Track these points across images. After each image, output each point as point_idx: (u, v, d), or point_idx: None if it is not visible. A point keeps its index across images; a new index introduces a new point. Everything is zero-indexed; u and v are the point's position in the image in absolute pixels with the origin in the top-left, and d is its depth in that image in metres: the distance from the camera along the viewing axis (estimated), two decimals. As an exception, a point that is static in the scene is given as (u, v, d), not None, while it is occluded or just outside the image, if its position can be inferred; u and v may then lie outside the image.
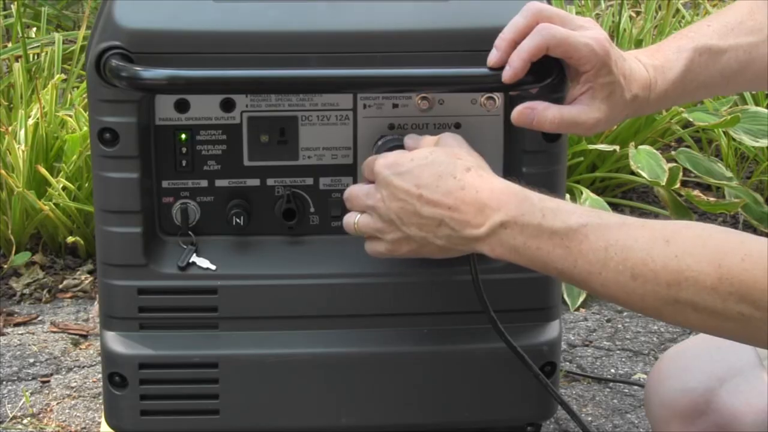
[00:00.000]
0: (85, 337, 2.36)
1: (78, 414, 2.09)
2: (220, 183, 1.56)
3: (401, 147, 1.50)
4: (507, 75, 1.40)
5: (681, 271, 1.21)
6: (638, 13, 3.45)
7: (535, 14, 1.40)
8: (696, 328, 1.26)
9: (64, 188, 2.55)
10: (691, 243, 1.22)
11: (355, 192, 1.45)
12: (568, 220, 1.29)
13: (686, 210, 2.67)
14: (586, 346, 2.34)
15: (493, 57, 1.42)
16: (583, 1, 3.35)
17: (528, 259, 1.31)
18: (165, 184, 1.56)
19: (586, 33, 1.39)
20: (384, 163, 1.40)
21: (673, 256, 1.21)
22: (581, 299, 2.46)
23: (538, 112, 1.39)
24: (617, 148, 2.73)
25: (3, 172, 2.53)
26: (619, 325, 2.41)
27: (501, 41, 1.42)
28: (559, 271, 1.29)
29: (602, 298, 1.30)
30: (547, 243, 1.29)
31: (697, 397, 1.46)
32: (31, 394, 2.15)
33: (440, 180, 1.36)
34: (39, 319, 2.43)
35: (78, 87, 2.94)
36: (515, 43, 1.40)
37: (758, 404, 1.40)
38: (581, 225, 1.28)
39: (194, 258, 1.56)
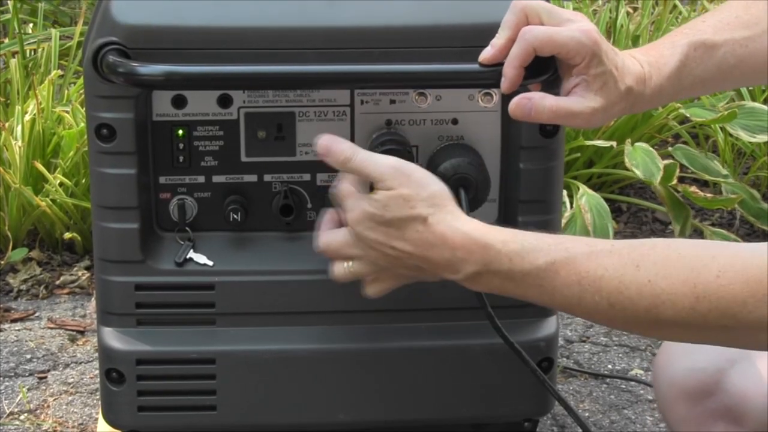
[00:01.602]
0: (82, 333, 2.36)
1: (75, 410, 2.09)
2: (217, 179, 1.56)
3: (395, 142, 1.50)
4: (504, 86, 1.42)
5: (656, 296, 1.21)
6: (635, 9, 3.45)
7: (522, 8, 1.41)
8: (683, 341, 1.27)
9: (61, 184, 2.55)
10: (662, 265, 1.22)
11: (334, 245, 1.43)
12: (535, 260, 1.29)
13: (683, 206, 2.68)
14: (584, 341, 2.35)
15: (487, 54, 1.43)
16: (580, -3, 3.35)
17: (510, 294, 1.34)
18: (162, 179, 1.56)
19: (573, 26, 1.40)
20: (353, 219, 1.40)
21: (645, 281, 1.22)
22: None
23: (536, 102, 1.40)
24: (614, 144, 2.73)
25: (0, 168, 2.53)
26: (616, 321, 2.41)
27: (496, 39, 1.43)
28: (542, 304, 1.33)
29: (591, 321, 1.31)
30: (522, 284, 1.31)
31: (706, 377, 1.47)
32: (28, 390, 2.15)
33: (405, 232, 1.36)
34: (36, 315, 2.43)
35: (75, 83, 2.94)
36: (510, 41, 1.41)
37: None
38: (549, 263, 1.28)
39: (191, 254, 1.56)
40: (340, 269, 1.45)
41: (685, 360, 1.50)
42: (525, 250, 1.30)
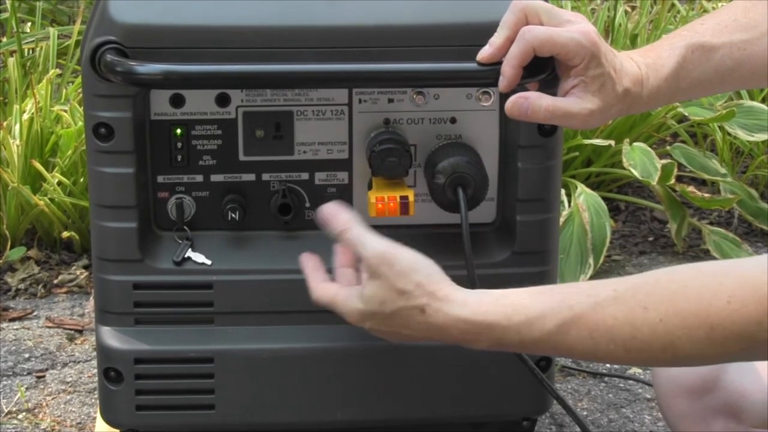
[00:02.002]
0: (80, 332, 2.36)
1: (73, 409, 2.09)
2: (215, 178, 1.56)
3: (393, 141, 1.50)
4: (502, 85, 1.41)
5: (670, 333, 1.20)
6: (633, 8, 3.45)
7: (522, 8, 1.41)
8: (702, 365, 1.26)
9: (59, 183, 2.55)
10: (670, 301, 1.20)
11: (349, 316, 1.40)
12: (543, 327, 1.27)
13: (680, 205, 2.68)
14: (582, 340, 2.34)
15: (485, 52, 1.43)
16: (578, -4, 3.34)
17: (529, 352, 1.38)
18: (160, 179, 1.56)
19: (573, 27, 1.40)
20: (355, 321, 1.37)
21: (657, 321, 1.20)
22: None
23: (532, 102, 1.40)
24: (612, 143, 2.73)
25: (-2, 167, 2.53)
26: (615, 320, 2.41)
27: (494, 38, 1.43)
28: (561, 356, 1.34)
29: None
30: (535, 348, 1.30)
31: (705, 373, 1.47)
32: (27, 389, 2.15)
33: (407, 327, 1.33)
34: (34, 314, 2.43)
35: (73, 82, 2.93)
36: (509, 40, 1.41)
37: (766, 383, 1.41)
38: (558, 325, 1.26)
39: (189, 253, 1.56)
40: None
41: None
42: (530, 320, 1.27)
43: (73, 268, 2.59)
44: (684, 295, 1.20)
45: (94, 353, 2.13)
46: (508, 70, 1.40)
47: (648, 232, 2.84)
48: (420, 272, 1.33)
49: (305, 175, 1.57)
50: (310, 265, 1.44)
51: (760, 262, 1.18)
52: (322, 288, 1.41)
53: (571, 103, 1.40)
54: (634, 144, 2.67)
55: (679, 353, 1.21)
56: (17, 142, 2.56)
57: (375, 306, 1.34)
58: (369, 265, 1.34)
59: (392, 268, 1.33)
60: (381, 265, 1.33)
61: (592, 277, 2.46)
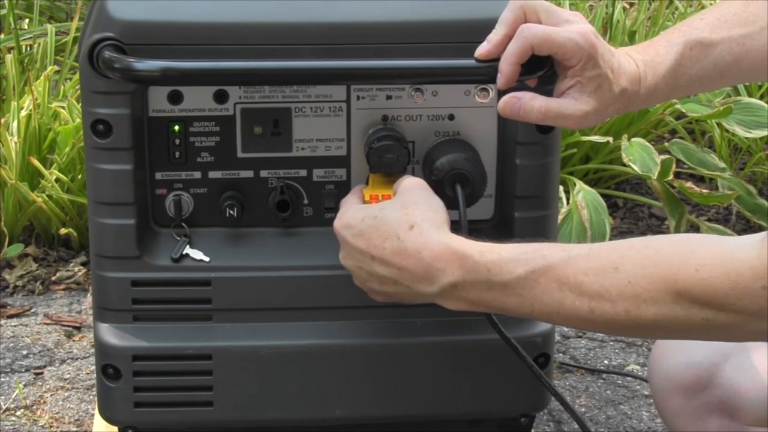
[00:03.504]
0: (78, 328, 2.36)
1: (71, 406, 2.09)
2: (213, 175, 1.56)
3: (391, 137, 1.50)
4: (500, 82, 1.41)
5: (637, 295, 1.21)
6: (631, 5, 3.45)
7: (521, 6, 1.41)
8: (665, 339, 1.26)
9: (57, 180, 2.55)
10: (641, 265, 1.21)
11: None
12: (514, 270, 1.29)
13: (679, 202, 2.68)
14: (580, 337, 2.35)
15: (483, 49, 1.43)
16: (576, -7, 3.34)
17: (486, 308, 1.33)
18: (158, 175, 1.55)
19: (571, 27, 1.39)
20: (339, 224, 1.42)
21: (626, 282, 1.21)
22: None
23: (525, 102, 1.40)
24: (610, 139, 2.73)
25: (-4, 163, 2.53)
26: (613, 317, 2.41)
27: (493, 35, 1.43)
28: (520, 314, 1.31)
29: (570, 327, 1.31)
30: (501, 294, 1.30)
31: (701, 371, 1.47)
32: (25, 386, 2.15)
33: (386, 241, 1.36)
34: (32, 311, 2.43)
35: (71, 78, 2.93)
36: (507, 37, 1.41)
37: (762, 381, 1.41)
38: (528, 272, 1.28)
39: (188, 250, 1.56)
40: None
41: (679, 354, 1.50)
42: (503, 260, 1.30)
43: (71, 264, 2.59)
44: (655, 260, 1.21)
45: (92, 350, 2.14)
46: (506, 68, 1.40)
47: (646, 229, 2.84)
48: (432, 208, 1.39)
49: (303, 172, 1.57)
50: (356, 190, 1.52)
51: (737, 239, 1.19)
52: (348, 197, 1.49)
53: (566, 104, 1.40)
54: (633, 139, 2.67)
55: (642, 318, 1.21)
56: (15, 139, 2.56)
57: (373, 213, 1.39)
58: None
59: (417, 191, 1.43)
60: (406, 188, 1.44)
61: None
